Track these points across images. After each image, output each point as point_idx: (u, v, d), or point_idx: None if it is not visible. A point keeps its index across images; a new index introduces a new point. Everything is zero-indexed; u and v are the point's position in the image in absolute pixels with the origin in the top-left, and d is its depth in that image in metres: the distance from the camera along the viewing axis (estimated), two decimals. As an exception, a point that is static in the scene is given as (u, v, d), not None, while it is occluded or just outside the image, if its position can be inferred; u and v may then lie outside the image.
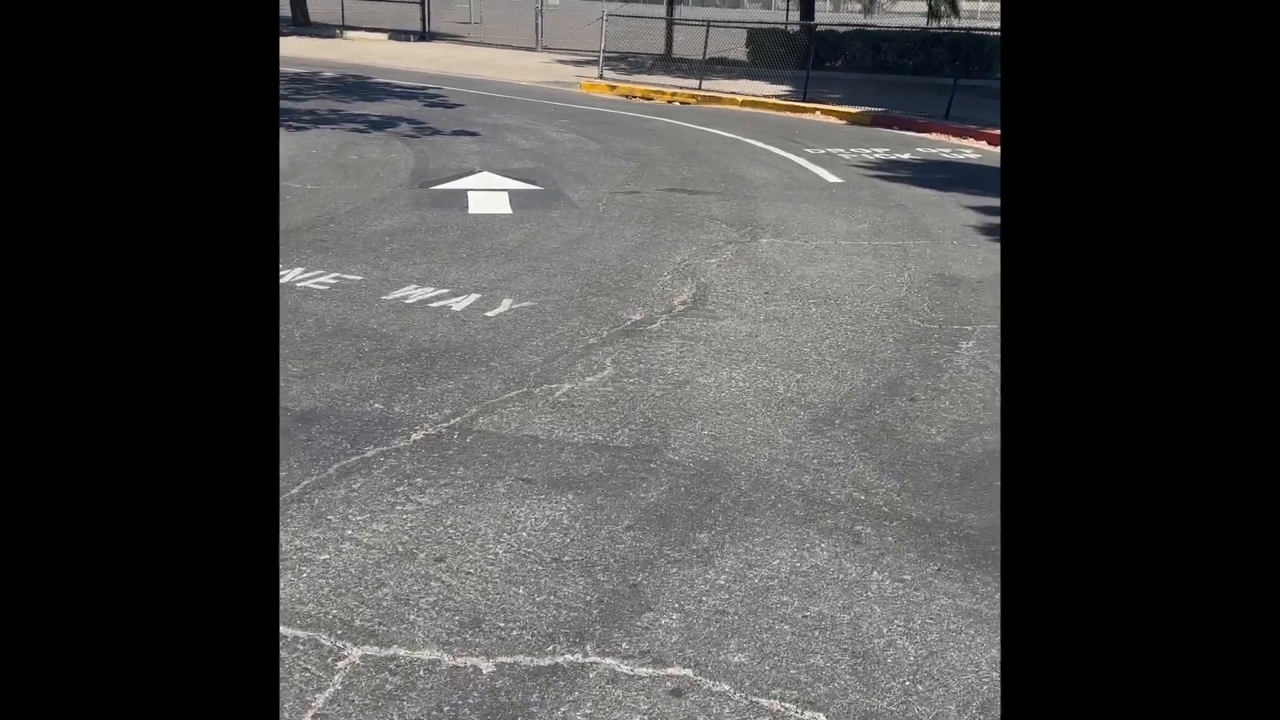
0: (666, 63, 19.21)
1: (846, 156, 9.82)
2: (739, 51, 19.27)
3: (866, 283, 5.34)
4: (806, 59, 14.65)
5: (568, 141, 9.99)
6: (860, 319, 4.71)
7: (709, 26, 15.94)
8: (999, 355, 4.26)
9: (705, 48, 15.90)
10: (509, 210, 6.79)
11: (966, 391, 3.85)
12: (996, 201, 7.76)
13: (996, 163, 9.87)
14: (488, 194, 7.30)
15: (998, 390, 3.87)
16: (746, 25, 19.54)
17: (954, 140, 11.40)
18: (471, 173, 8.08)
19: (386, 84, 14.73)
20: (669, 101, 14.54)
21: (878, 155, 10.01)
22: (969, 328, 4.63)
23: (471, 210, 6.74)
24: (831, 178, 8.58)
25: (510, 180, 7.85)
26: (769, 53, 18.16)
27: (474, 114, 11.77)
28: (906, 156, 10.05)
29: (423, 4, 23.79)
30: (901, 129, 12.20)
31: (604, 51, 17.14)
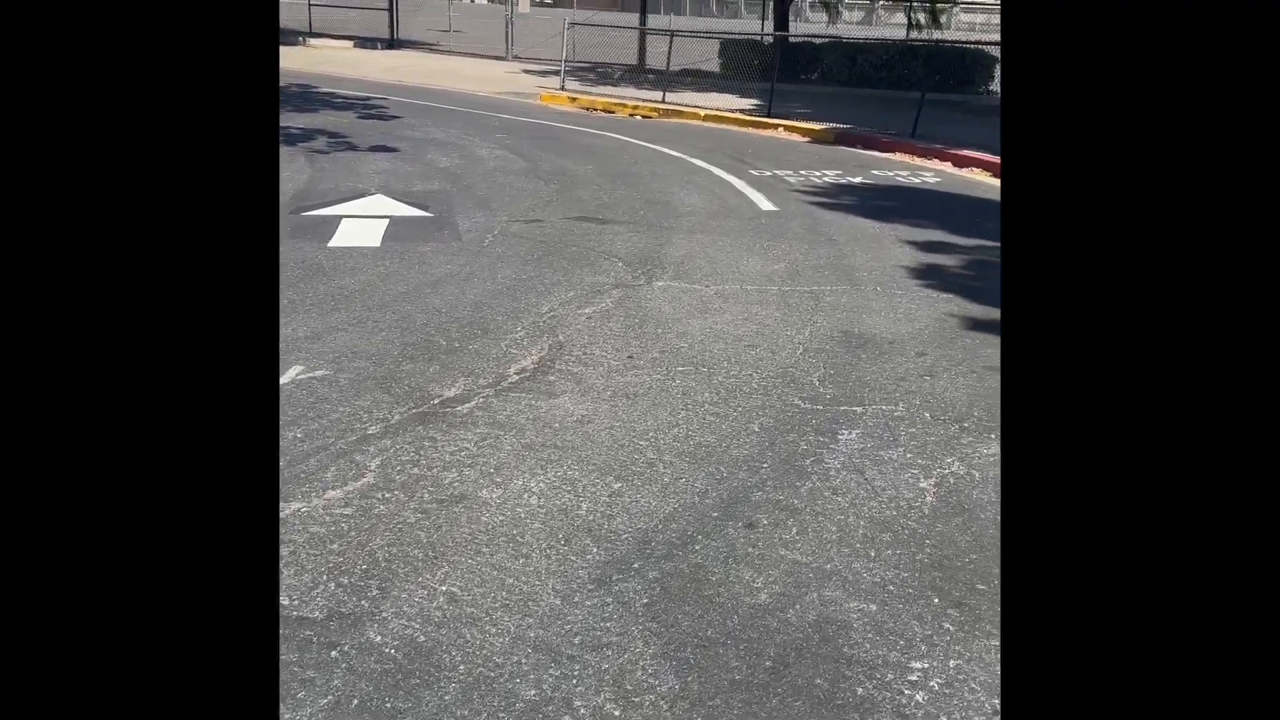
0: (637, 74, 18.36)
1: (793, 179, 8.91)
2: (714, 63, 18.41)
3: (757, 343, 4.43)
4: (771, 71, 13.77)
5: (493, 159, 9.13)
6: (729, 396, 3.81)
7: (673, 36, 15.08)
8: (881, 451, 3.35)
9: (669, 59, 15.04)
10: (377, 243, 5.91)
11: (824, 512, 2.93)
12: (940, 236, 6.84)
13: (954, 189, 8.95)
14: (364, 222, 6.42)
15: (864, 509, 2.96)
16: (716, 35, 18.66)
17: (916, 161, 10.47)
18: (363, 195, 7.21)
19: (329, 94, 13.91)
20: (630, 115, 13.70)
21: (827, 178, 9.09)
22: (858, 409, 3.71)
23: (333, 243, 5.85)
24: (767, 205, 7.68)
25: (402, 205, 6.98)
26: (742, 64, 17.29)
27: (406, 127, 10.93)
28: (858, 180, 9.13)
29: (390, 11, 23.02)
30: (864, 148, 11.29)
31: (568, 61, 16.33)
